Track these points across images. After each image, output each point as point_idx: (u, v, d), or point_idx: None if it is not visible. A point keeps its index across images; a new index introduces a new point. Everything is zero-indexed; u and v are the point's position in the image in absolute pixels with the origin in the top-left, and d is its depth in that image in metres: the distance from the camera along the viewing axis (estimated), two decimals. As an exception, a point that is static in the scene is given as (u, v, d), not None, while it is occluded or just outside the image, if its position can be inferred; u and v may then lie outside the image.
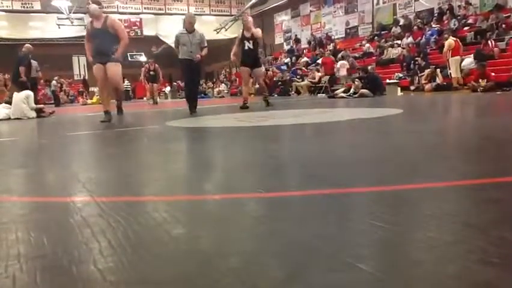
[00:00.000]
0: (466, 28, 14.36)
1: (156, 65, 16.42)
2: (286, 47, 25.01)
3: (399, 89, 12.83)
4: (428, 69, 13.17)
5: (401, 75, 14.52)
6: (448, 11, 15.96)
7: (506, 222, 1.19)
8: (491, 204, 1.35)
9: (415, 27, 16.73)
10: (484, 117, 5.07)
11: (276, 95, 17.30)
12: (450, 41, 12.37)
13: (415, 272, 0.91)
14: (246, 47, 8.21)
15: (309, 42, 22.64)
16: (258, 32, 8.41)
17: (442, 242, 1.06)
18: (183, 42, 7.36)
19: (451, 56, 12.20)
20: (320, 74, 17.07)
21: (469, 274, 0.88)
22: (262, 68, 8.99)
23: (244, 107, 8.09)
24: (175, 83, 26.81)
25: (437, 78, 12.70)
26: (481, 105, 7.09)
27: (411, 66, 14.53)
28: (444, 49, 12.42)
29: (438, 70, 12.83)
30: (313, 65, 18.89)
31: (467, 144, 2.86)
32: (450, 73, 12.32)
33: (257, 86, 9.45)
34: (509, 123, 4.16)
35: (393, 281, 0.88)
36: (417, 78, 13.53)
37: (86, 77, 27.22)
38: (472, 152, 2.53)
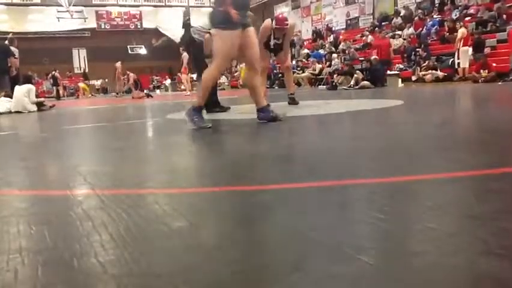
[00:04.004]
0: (467, 18, 14.27)
1: (184, 53, 14.71)
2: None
3: (400, 80, 12.78)
4: (427, 62, 13.08)
5: (402, 66, 14.46)
6: (449, 1, 15.86)
7: (508, 213, 1.19)
8: (492, 195, 1.35)
9: (416, 17, 16.64)
10: (485, 108, 5.05)
11: (276, 87, 17.26)
12: (463, 30, 12.18)
13: (416, 263, 0.91)
14: (272, 42, 6.20)
15: (316, 39, 22.26)
16: (292, 27, 6.57)
17: (443, 233, 1.06)
18: None
19: (462, 46, 12.02)
20: (320, 65, 16.99)
21: (470, 265, 0.88)
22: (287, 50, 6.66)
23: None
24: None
25: (438, 70, 12.62)
26: (482, 96, 7.06)
27: (412, 57, 14.47)
28: (458, 37, 12.19)
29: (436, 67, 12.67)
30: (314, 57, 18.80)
31: (468, 135, 2.86)
32: (459, 63, 12.13)
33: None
34: (509, 114, 4.15)
35: (393, 272, 0.88)
36: (419, 68, 13.43)
37: (87, 70, 27.20)
38: (473, 142, 2.52)
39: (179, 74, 16.00)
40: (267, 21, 6.18)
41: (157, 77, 28.73)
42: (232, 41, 3.75)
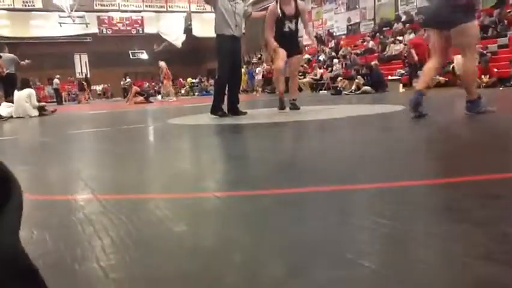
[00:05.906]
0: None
1: (159, 62, 16.78)
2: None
3: (401, 85, 12.78)
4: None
5: (403, 71, 14.45)
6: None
7: (507, 218, 1.19)
8: (492, 200, 1.35)
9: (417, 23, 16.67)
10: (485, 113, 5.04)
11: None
12: None
13: (416, 268, 0.91)
14: (287, 28, 5.56)
15: (317, 44, 22.13)
16: (303, 4, 5.94)
17: (443, 238, 1.06)
18: (225, 6, 5.39)
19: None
20: (321, 70, 17.00)
21: (470, 270, 0.88)
22: (303, 56, 6.26)
23: (282, 107, 5.93)
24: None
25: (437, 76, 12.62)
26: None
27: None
28: None
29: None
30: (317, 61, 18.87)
31: (468, 141, 2.85)
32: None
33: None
34: (510, 119, 4.14)
35: (394, 277, 0.88)
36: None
37: (88, 75, 27.29)
38: (473, 148, 2.52)
39: (165, 81, 16.51)
40: (272, 5, 5.69)
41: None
42: (478, 31, 4.07)
